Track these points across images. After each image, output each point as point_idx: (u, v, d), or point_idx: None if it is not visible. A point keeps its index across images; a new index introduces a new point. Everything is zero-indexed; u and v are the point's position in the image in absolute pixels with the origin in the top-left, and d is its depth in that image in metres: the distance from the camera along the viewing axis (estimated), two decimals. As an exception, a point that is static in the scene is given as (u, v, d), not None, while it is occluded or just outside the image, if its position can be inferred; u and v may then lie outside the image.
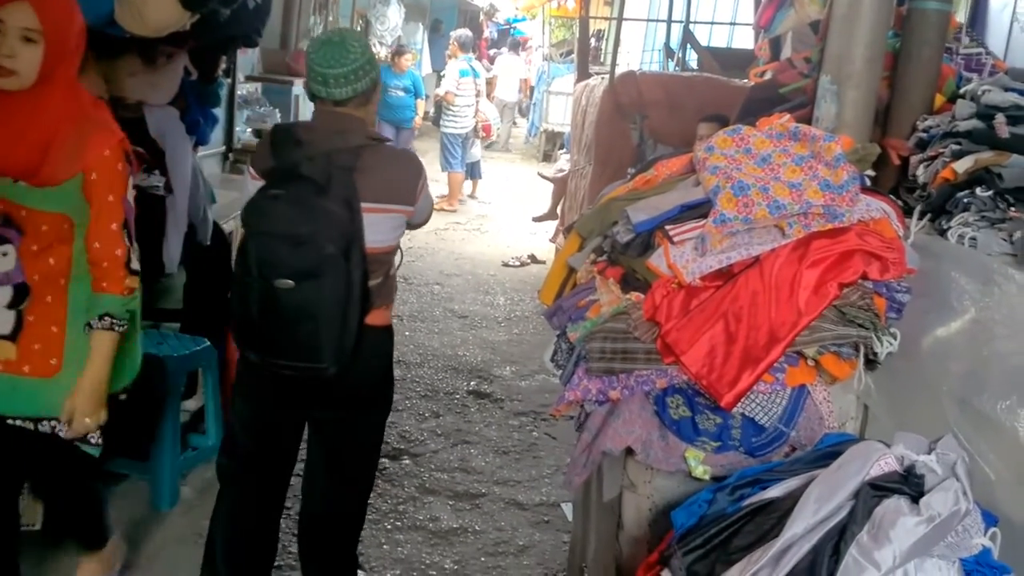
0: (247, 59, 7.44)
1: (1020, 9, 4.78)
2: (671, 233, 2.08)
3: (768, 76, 3.06)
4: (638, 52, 13.86)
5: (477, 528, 3.49)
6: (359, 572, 3.05)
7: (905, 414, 2.14)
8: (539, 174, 9.44)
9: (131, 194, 2.38)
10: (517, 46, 16.40)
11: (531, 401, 4.76)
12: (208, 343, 3.62)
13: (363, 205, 2.45)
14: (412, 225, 2.73)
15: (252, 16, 3.50)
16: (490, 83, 14.73)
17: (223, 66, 5.49)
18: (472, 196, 10.63)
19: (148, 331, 3.70)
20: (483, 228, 9.26)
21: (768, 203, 2.01)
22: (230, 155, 6.45)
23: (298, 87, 7.96)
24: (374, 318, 2.58)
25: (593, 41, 14.29)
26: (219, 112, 4.61)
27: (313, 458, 2.80)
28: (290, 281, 2.38)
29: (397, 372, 4.88)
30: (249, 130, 6.90)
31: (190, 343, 3.56)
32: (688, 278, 2.01)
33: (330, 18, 9.51)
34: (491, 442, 4.25)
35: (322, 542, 2.86)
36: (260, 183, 2.51)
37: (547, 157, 13.01)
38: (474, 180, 10.77)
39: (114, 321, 2.29)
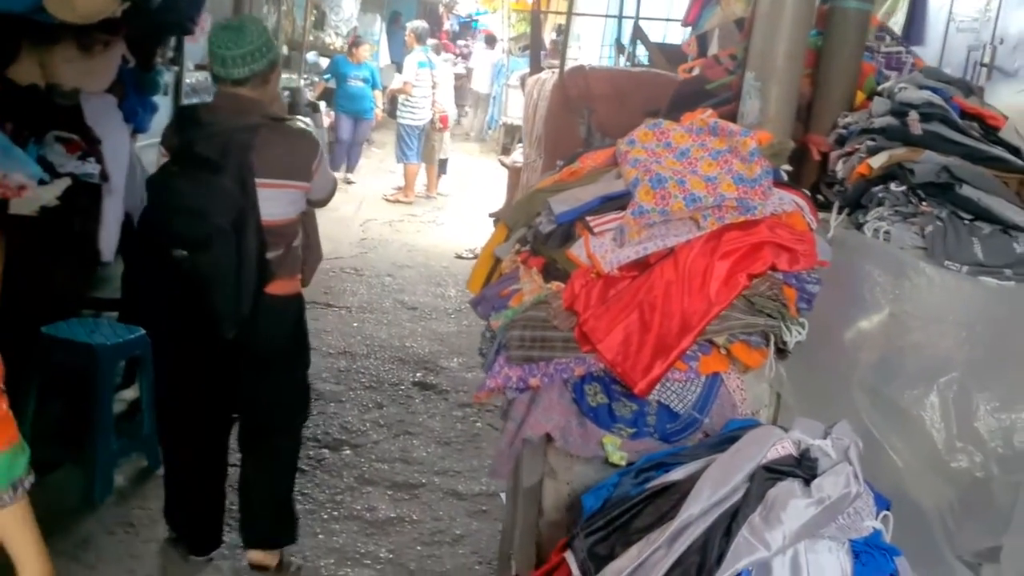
0: (197, 48, 7.34)
1: (956, 9, 4.89)
2: (591, 224, 2.11)
3: (696, 72, 3.12)
4: (596, 47, 13.91)
5: (414, 518, 3.52)
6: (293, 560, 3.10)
7: (817, 402, 2.20)
8: (499, 160, 9.60)
9: None
10: (493, 41, 16.37)
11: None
12: (143, 332, 3.59)
13: (260, 181, 2.65)
14: (313, 202, 2.92)
15: (186, 4, 3.48)
16: (466, 76, 14.96)
17: (169, 55, 5.45)
18: (437, 192, 10.62)
19: (82, 319, 3.67)
20: (438, 220, 9.27)
21: (684, 196, 2.05)
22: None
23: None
24: (277, 287, 2.78)
25: (554, 35, 14.33)
26: (159, 100, 4.57)
27: (244, 413, 3.03)
28: (184, 251, 2.59)
29: (343, 363, 4.90)
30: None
31: (124, 332, 3.54)
32: (606, 268, 2.05)
33: (283, 7, 9.43)
34: (434, 433, 4.27)
35: (259, 481, 3.05)
36: (166, 160, 2.74)
37: (506, 150, 13.03)
38: (438, 176, 10.74)
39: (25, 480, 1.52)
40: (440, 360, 5.23)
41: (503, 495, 3.73)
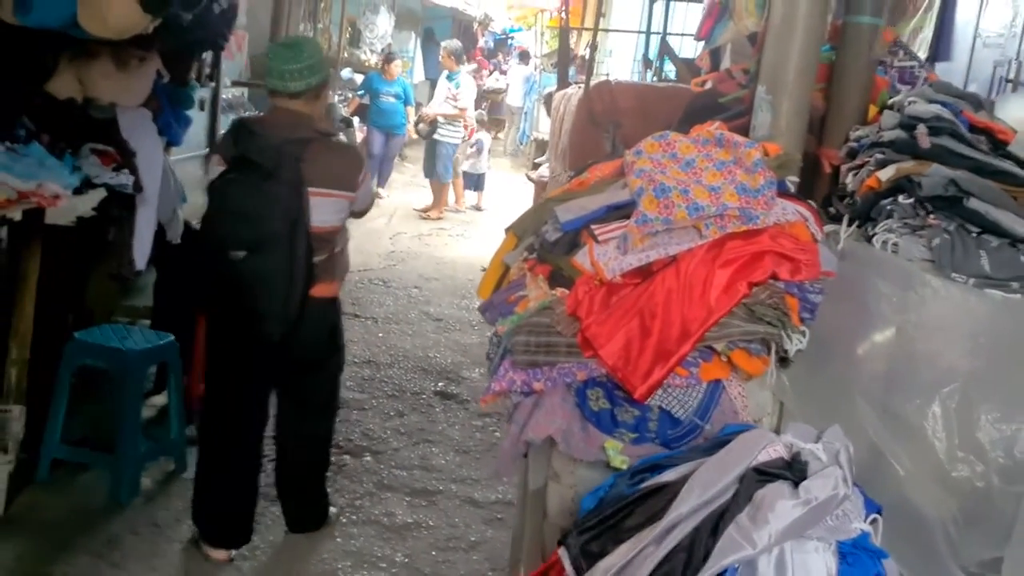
0: (234, 64, 7.54)
1: (983, 26, 4.87)
2: (596, 232, 2.16)
3: (708, 86, 3.15)
4: (628, 62, 13.96)
5: (431, 524, 3.57)
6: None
7: (820, 411, 2.22)
8: (527, 175, 9.70)
9: None
10: (526, 56, 16.57)
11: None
12: (172, 338, 3.69)
13: (311, 190, 2.85)
14: (355, 212, 3.12)
15: (217, 21, 3.59)
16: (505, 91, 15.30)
17: (206, 71, 5.60)
18: (477, 207, 10.74)
19: (114, 326, 3.79)
20: (467, 234, 9.35)
21: (688, 205, 2.09)
22: (210, 153, 6.54)
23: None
24: (318, 290, 2.97)
25: (589, 51, 14.42)
26: (193, 114, 4.70)
27: (281, 409, 3.24)
28: (241, 252, 2.79)
29: (367, 372, 4.98)
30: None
31: (154, 338, 3.64)
32: (609, 275, 2.09)
33: (319, 25, 9.62)
34: (453, 441, 4.33)
35: (296, 475, 3.31)
36: (222, 168, 2.92)
37: (536, 166, 13.11)
38: (479, 192, 10.88)
39: None
40: (462, 371, 5.29)
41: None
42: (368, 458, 4.05)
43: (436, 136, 9.84)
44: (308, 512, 3.36)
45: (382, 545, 3.38)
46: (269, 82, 2.92)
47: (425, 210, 10.00)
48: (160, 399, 4.12)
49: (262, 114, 3.25)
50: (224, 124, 6.74)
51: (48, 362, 3.49)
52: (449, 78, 10.05)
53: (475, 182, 10.77)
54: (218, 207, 2.87)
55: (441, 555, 3.37)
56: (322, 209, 2.91)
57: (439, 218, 9.91)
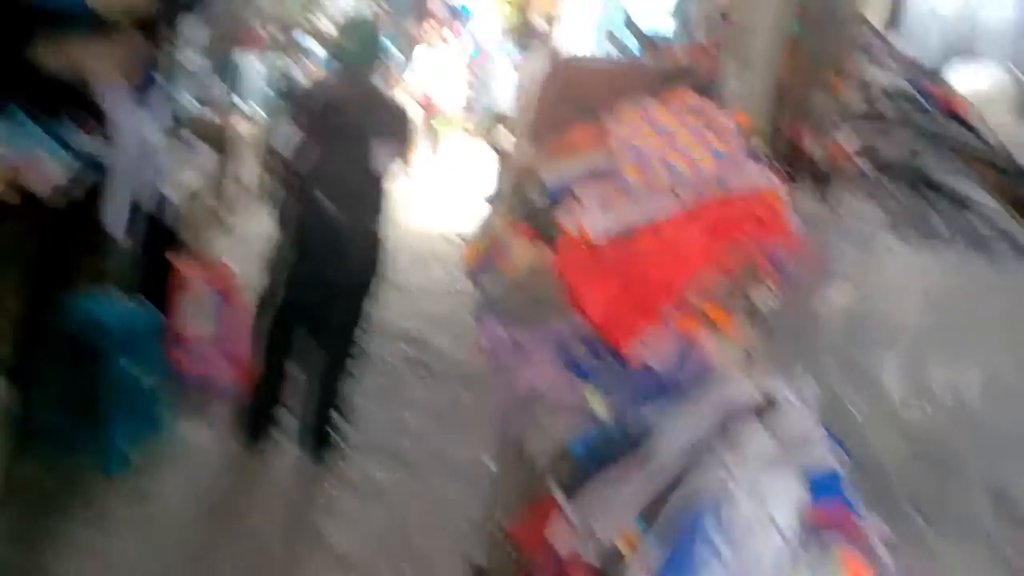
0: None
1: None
2: (580, 196, 2.28)
3: (679, 58, 3.27)
4: (590, 36, 14.03)
5: (408, 483, 3.71)
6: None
7: (788, 365, 2.38)
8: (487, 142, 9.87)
9: None
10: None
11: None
12: (159, 314, 3.71)
13: (375, 139, 3.74)
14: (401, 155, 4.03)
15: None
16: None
17: (181, 39, 5.56)
18: None
19: (101, 300, 3.78)
20: (426, 202, 9.39)
21: (666, 170, 2.22)
22: (175, 125, 6.51)
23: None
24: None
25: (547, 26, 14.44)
26: (169, 84, 4.69)
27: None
28: (332, 200, 3.70)
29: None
30: (195, 100, 7.01)
31: (141, 313, 3.65)
32: (593, 237, 2.22)
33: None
34: (424, 405, 4.46)
35: (313, 398, 4.06)
36: (295, 129, 3.79)
37: (494, 137, 13.18)
38: None
39: None
40: (432, 338, 5.40)
41: (485, 459, 3.91)
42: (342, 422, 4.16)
43: None
44: (315, 435, 3.95)
45: (361, 504, 3.49)
46: (337, 51, 3.76)
47: None
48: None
49: (326, 80, 4.32)
50: (182, 92, 6.72)
51: (35, 336, 3.51)
52: None
53: None
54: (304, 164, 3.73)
55: (419, 513, 3.49)
56: (380, 154, 3.83)
57: None
